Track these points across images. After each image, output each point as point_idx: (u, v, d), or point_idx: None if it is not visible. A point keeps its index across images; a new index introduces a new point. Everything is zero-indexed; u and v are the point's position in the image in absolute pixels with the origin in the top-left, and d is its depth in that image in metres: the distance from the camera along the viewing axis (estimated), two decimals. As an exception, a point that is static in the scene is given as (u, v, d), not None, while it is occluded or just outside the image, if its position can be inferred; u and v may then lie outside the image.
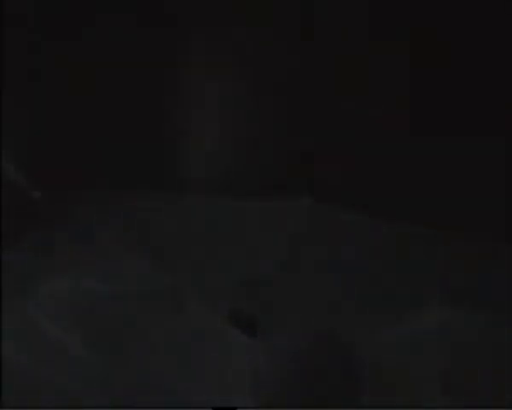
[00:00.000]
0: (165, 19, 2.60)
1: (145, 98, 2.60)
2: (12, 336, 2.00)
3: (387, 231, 2.37)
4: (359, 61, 2.52)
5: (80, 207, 2.41)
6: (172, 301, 2.12)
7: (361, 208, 2.39)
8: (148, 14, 2.60)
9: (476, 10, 2.45)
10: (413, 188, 2.48)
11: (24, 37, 2.55)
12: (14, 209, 2.31)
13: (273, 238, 2.35)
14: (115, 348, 2.03)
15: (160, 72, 2.61)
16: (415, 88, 2.51)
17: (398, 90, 2.52)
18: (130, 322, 2.07)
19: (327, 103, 2.54)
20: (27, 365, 1.96)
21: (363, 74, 2.53)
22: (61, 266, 2.19)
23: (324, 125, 2.55)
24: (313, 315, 2.12)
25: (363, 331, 2.06)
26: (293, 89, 2.56)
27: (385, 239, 2.35)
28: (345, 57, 2.53)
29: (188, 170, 2.63)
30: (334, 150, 2.52)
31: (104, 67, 2.58)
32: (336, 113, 2.53)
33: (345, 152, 2.53)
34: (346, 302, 2.17)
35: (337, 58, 2.54)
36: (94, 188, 2.47)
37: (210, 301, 2.11)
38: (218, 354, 2.01)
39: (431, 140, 2.50)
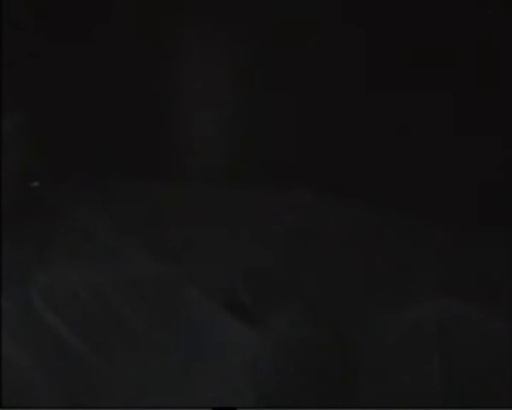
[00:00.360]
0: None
1: (145, 87, 2.62)
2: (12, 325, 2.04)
3: (386, 223, 2.38)
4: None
5: (80, 196, 2.43)
6: (171, 290, 2.14)
7: (359, 200, 2.41)
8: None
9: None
10: (415, 180, 2.50)
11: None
12: (13, 198, 2.34)
13: (272, 229, 2.36)
14: (111, 338, 2.05)
15: (159, 62, 2.63)
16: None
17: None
18: (128, 311, 2.10)
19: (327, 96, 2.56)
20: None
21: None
22: (59, 256, 2.22)
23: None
24: (312, 306, 2.13)
25: (362, 322, 2.08)
26: (292, 83, 2.58)
27: (383, 230, 2.37)
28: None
29: (187, 161, 2.64)
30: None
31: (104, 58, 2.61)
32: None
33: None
34: (344, 293, 2.17)
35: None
36: (94, 177, 2.49)
37: (208, 291, 2.12)
38: (217, 344, 2.03)
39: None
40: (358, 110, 2.55)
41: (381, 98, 2.54)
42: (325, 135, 2.57)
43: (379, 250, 2.29)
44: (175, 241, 2.31)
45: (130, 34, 2.63)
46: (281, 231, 2.34)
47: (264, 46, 2.60)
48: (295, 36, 2.59)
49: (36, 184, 2.41)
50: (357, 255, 2.28)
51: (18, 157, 2.42)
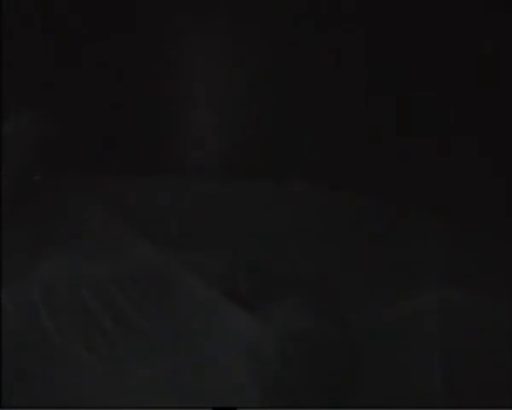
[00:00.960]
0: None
1: (140, 85, 2.63)
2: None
3: (385, 213, 2.38)
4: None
5: (79, 192, 2.43)
6: (170, 284, 2.13)
7: (356, 191, 2.41)
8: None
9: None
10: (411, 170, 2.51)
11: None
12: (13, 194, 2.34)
13: (269, 222, 2.36)
14: (112, 333, 2.04)
15: (155, 60, 2.65)
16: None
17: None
18: (127, 305, 2.09)
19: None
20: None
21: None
22: (58, 250, 2.21)
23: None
24: (311, 296, 2.12)
25: (364, 311, 2.08)
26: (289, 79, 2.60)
27: (382, 220, 2.37)
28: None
29: (184, 155, 2.65)
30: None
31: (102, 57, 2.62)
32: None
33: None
34: (344, 283, 2.17)
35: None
36: (92, 174, 2.49)
37: (207, 284, 2.12)
38: (216, 337, 2.02)
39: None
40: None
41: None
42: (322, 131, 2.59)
43: (378, 241, 2.29)
44: (175, 233, 2.31)
45: (130, 34, 2.64)
46: (278, 223, 2.34)
47: (263, 46, 2.62)
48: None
49: (37, 177, 2.42)
50: (355, 246, 2.29)
51: (19, 154, 2.43)
